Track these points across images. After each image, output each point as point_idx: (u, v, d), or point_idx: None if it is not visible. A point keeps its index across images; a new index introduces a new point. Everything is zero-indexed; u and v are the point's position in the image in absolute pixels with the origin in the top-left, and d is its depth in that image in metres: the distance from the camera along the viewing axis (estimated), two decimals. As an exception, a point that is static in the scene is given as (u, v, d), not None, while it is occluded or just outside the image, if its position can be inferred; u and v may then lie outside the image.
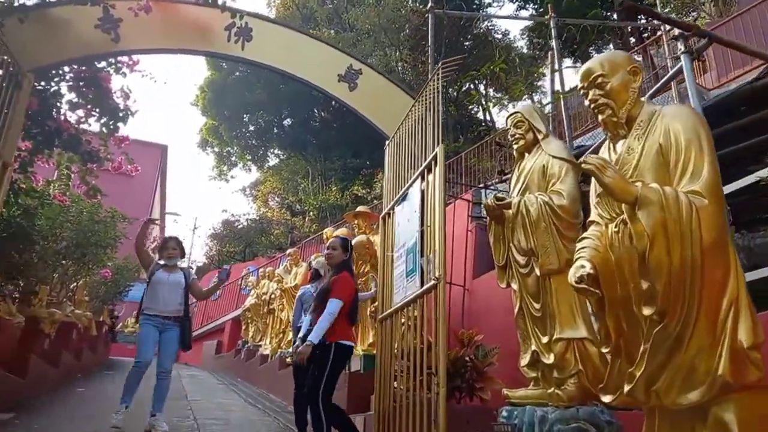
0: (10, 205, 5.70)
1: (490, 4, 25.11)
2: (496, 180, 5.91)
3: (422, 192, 4.21)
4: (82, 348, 9.65)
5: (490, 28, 24.78)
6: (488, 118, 26.70)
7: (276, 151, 30.02)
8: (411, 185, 4.48)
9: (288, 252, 10.55)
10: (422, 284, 3.93)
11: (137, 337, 5.24)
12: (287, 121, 29.28)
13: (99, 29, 4.97)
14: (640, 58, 16.07)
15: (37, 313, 6.93)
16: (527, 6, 22.43)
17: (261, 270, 15.18)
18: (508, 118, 3.33)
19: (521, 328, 2.96)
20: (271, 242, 22.83)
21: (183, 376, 11.66)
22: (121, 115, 6.09)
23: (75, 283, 9.12)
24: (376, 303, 5.75)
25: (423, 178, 4.24)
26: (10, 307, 5.91)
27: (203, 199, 61.87)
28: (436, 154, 3.95)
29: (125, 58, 5.81)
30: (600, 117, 2.20)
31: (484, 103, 27.22)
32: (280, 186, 27.70)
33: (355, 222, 6.81)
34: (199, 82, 28.87)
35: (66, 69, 5.81)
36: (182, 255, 5.56)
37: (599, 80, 2.20)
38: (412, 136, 4.77)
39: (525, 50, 25.27)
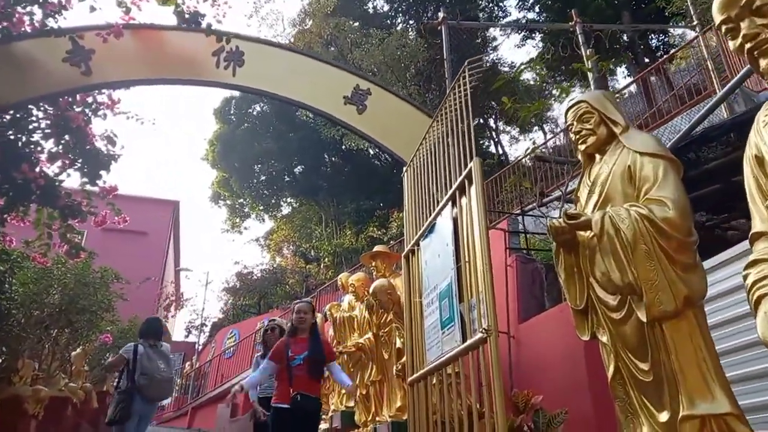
0: (-22, 270, 4.99)
1: (495, 38, 24.96)
2: (536, 204, 5.10)
3: (454, 220, 3.40)
4: (80, 424, 8.74)
5: (496, 61, 24.45)
6: (500, 151, 26.07)
7: (288, 200, 29.71)
8: (439, 213, 3.67)
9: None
10: (464, 338, 3.06)
11: None
12: (298, 169, 29.07)
13: (68, 63, 4.34)
14: (654, 79, 15.36)
15: (17, 392, 6.11)
16: (533, 35, 22.13)
17: (275, 323, 14.24)
18: (568, 111, 2.53)
19: (620, 398, 2.06)
20: (286, 292, 21.97)
21: (194, 447, 10.61)
22: (105, 161, 5.43)
23: (69, 354, 8.31)
24: (404, 359, 4.84)
25: (454, 203, 3.43)
26: (-21, 389, 5.13)
27: (217, 252, 61.45)
28: (470, 169, 3.15)
29: (104, 98, 5.20)
30: (765, 62, 1.39)
31: (495, 136, 26.67)
32: (293, 234, 27.12)
33: (373, 264, 5.96)
34: (208, 136, 28.87)
35: (40, 115, 5.21)
36: None
37: (758, 2, 1.39)
38: (434, 158, 4.00)
39: (531, 82, 24.92)
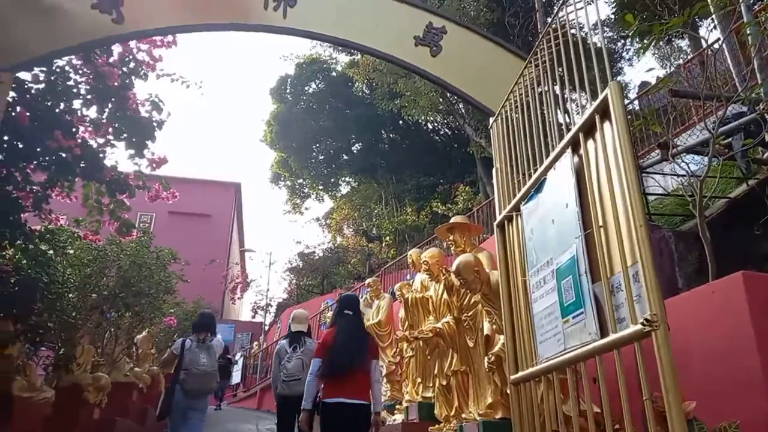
0: (23, 252, 4.60)
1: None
2: (666, 156, 4.06)
3: (577, 172, 2.55)
4: (146, 409, 8.55)
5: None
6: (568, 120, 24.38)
7: (347, 178, 29.34)
8: (551, 166, 2.82)
9: (367, 282, 9.06)
10: (603, 330, 2.25)
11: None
12: (355, 147, 28.69)
13: (97, 9, 3.76)
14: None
15: (77, 380, 5.81)
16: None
17: (339, 304, 13.82)
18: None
19: None
20: (348, 272, 21.61)
21: None
22: (149, 128, 4.92)
23: (133, 338, 8.08)
24: (496, 349, 4.06)
25: (575, 150, 2.58)
26: (32, 379, 4.79)
27: (278, 233, 62.43)
28: (605, 97, 2.29)
29: (144, 56, 4.65)
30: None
31: (561, 104, 24.96)
32: (352, 212, 26.72)
33: (450, 238, 5.17)
34: (265, 117, 28.80)
35: (79, 78, 4.73)
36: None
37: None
38: (535, 101, 3.16)
39: (598, 44, 22.98)
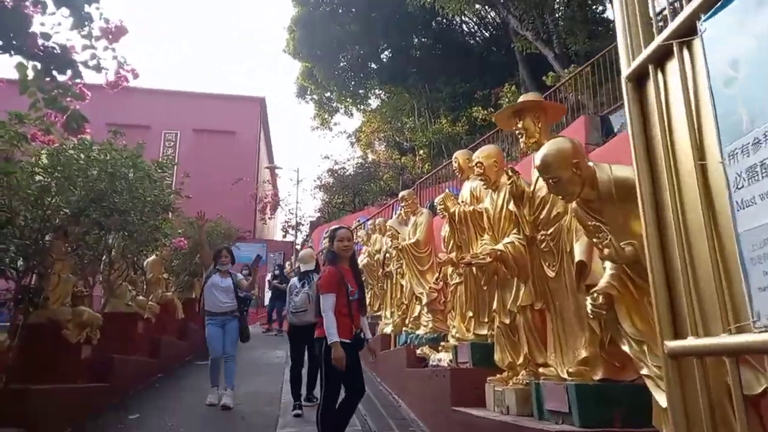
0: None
1: None
2: None
3: None
4: (158, 340, 7.68)
5: None
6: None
7: (376, 90, 27.40)
8: None
9: (401, 195, 7.71)
10: None
11: (207, 336, 6.12)
12: (384, 54, 26.49)
13: None
14: None
15: (52, 315, 4.76)
16: None
17: (370, 222, 12.65)
18: None
19: None
20: (381, 188, 20.33)
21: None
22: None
23: (135, 263, 7.01)
24: (605, 281, 2.66)
25: None
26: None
27: (307, 151, 60.93)
28: None
29: None
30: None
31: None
32: (383, 125, 25.00)
33: (519, 125, 3.65)
34: (286, 23, 26.55)
35: None
36: (232, 262, 6.48)
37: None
38: None
39: None
